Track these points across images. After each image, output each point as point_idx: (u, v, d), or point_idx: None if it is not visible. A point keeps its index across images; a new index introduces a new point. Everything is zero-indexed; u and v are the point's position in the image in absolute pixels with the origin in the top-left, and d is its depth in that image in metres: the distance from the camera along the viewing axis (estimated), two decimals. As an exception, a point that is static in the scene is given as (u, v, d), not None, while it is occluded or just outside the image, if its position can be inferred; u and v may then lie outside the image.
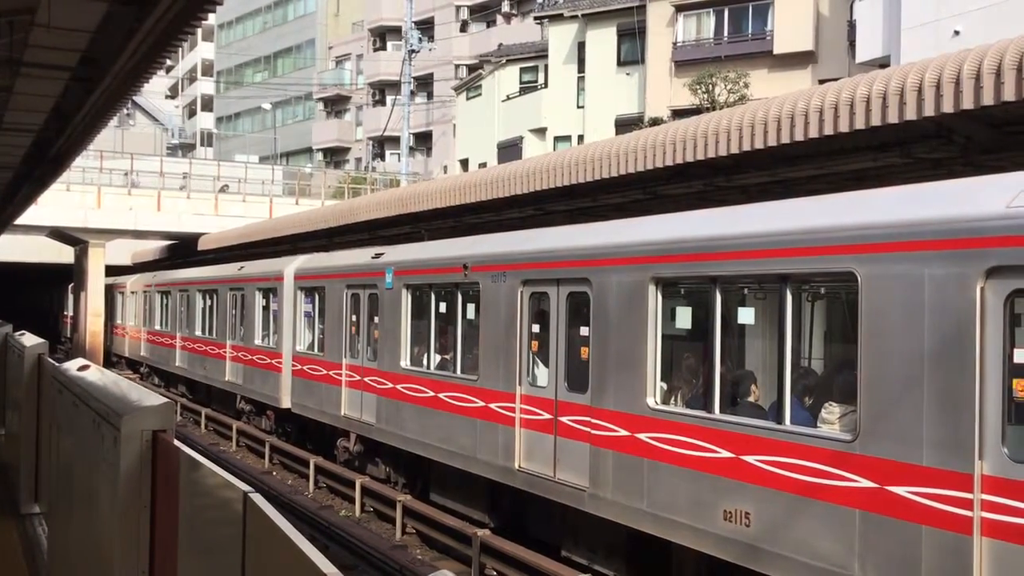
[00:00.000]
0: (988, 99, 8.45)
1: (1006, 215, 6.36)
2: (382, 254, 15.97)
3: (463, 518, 13.17)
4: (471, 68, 54.02)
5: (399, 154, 53.94)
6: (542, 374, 11.44)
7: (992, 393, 6.36)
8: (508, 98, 45.19)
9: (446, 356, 14.00)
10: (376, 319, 15.73)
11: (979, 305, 6.43)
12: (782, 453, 7.87)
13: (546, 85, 42.97)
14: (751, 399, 8.88)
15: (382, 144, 63.67)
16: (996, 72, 8.39)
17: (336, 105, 72.55)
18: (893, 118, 9.44)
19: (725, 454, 8.44)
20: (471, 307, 13.04)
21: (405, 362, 14.65)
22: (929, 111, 9.08)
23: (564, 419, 10.75)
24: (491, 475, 12.17)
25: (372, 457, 16.41)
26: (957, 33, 20.34)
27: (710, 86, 31.71)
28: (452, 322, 13.65)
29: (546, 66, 42.96)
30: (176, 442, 3.89)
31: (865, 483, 7.14)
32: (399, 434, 14.69)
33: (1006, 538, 6.21)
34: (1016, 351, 6.32)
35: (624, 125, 34.50)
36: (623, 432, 9.73)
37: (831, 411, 7.86)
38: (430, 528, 13.61)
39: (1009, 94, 8.27)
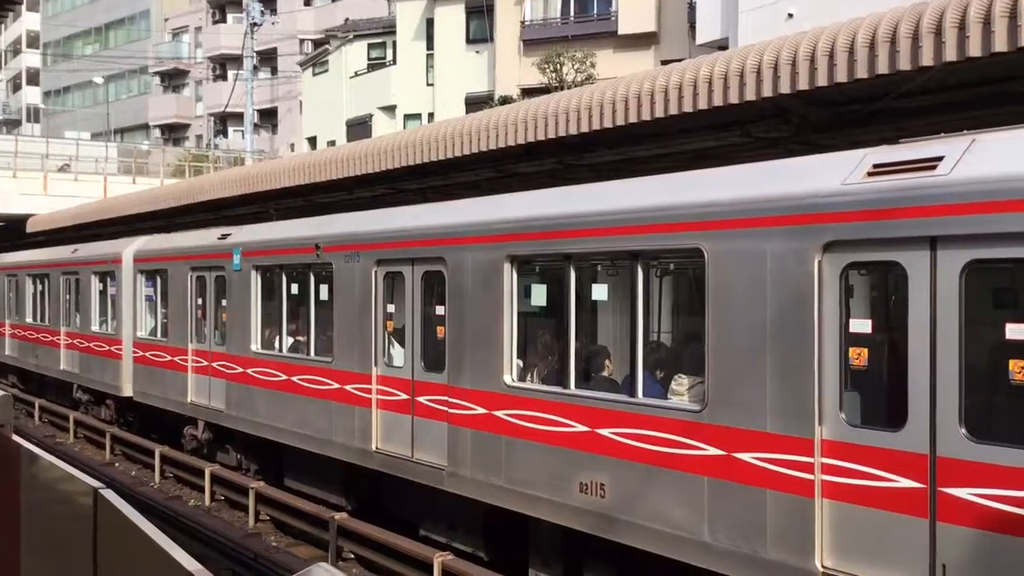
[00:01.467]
0: (822, 80, 8.83)
1: (841, 191, 6.69)
2: (229, 235, 15.47)
3: (320, 503, 12.97)
4: (317, 43, 52.85)
5: (243, 131, 52.30)
6: (398, 354, 11.36)
7: (830, 361, 6.70)
8: (356, 75, 44.46)
9: (299, 338, 13.72)
10: (224, 302, 15.25)
11: (817, 278, 6.76)
12: (635, 425, 8.08)
13: (395, 62, 42.51)
14: (605, 373, 9.08)
15: (224, 121, 61.61)
16: (829, 54, 8.79)
17: (174, 80, 69.70)
18: (733, 98, 9.76)
19: (581, 428, 8.61)
20: (324, 288, 12.81)
21: (256, 346, 14.28)
22: (767, 92, 9.43)
23: (421, 399, 10.72)
24: (348, 458, 12.03)
25: (222, 444, 15.96)
26: (791, 16, 21.24)
27: (558, 65, 32.11)
28: (304, 304, 13.38)
29: (395, 43, 42.48)
30: (16, 437, 3.65)
31: (713, 451, 7.42)
32: (251, 420, 14.33)
33: (844, 499, 6.58)
34: (852, 321, 6.68)
35: (474, 103, 34.55)
36: (481, 410, 9.78)
37: (680, 383, 8.12)
38: (285, 514, 13.35)
39: (841, 75, 8.67)
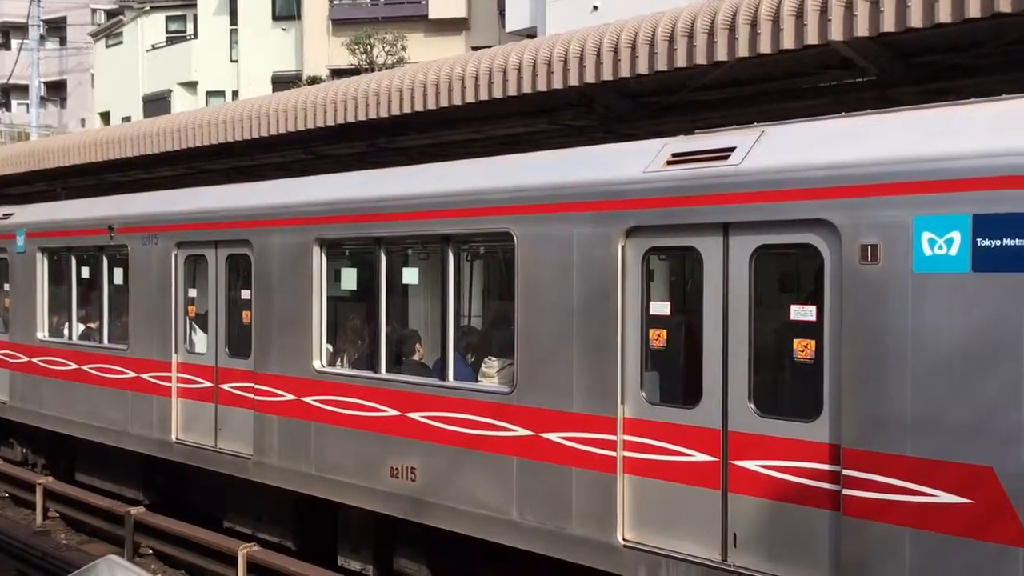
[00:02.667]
0: (625, 71, 9.14)
1: (642, 179, 6.95)
2: (11, 214, 14.42)
3: (115, 497, 12.35)
4: (110, 13, 49.89)
5: (28, 104, 48.72)
6: (201, 341, 10.94)
7: (632, 342, 6.96)
8: (154, 48, 42.30)
9: (91, 325, 12.98)
10: (6, 287, 14.22)
11: (620, 262, 7.00)
12: (446, 408, 8.13)
13: (196, 36, 40.71)
14: (416, 357, 9.07)
15: (7, 93, 57.17)
16: (632, 46, 9.10)
17: (-52, 46, 64.09)
18: (542, 86, 9.95)
19: (391, 412, 8.58)
20: (119, 272, 12.16)
21: (42, 333, 13.40)
22: (573, 81, 9.67)
23: (226, 386, 10.38)
24: (146, 449, 11.50)
25: (5, 438, 14.92)
26: (595, 8, 21.80)
27: (368, 47, 31.71)
28: (97, 288, 12.65)
29: (195, 16, 40.66)
30: None
31: (522, 432, 7.57)
32: (37, 411, 13.44)
33: (644, 474, 6.86)
34: (652, 304, 6.96)
35: (282, 82, 33.60)
36: (289, 396, 9.57)
37: (490, 365, 8.23)
38: (77, 510, 12.62)
39: (643, 67, 9.00)
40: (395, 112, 11.42)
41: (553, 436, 7.35)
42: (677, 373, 7.01)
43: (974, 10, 6.97)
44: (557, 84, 9.83)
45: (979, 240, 5.35)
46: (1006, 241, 5.25)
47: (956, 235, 5.43)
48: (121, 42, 44.22)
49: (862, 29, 7.53)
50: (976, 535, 5.33)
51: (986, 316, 5.31)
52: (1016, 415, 5.18)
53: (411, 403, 8.42)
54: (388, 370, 8.84)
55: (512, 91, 10.22)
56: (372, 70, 26.95)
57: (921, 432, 5.54)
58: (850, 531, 5.80)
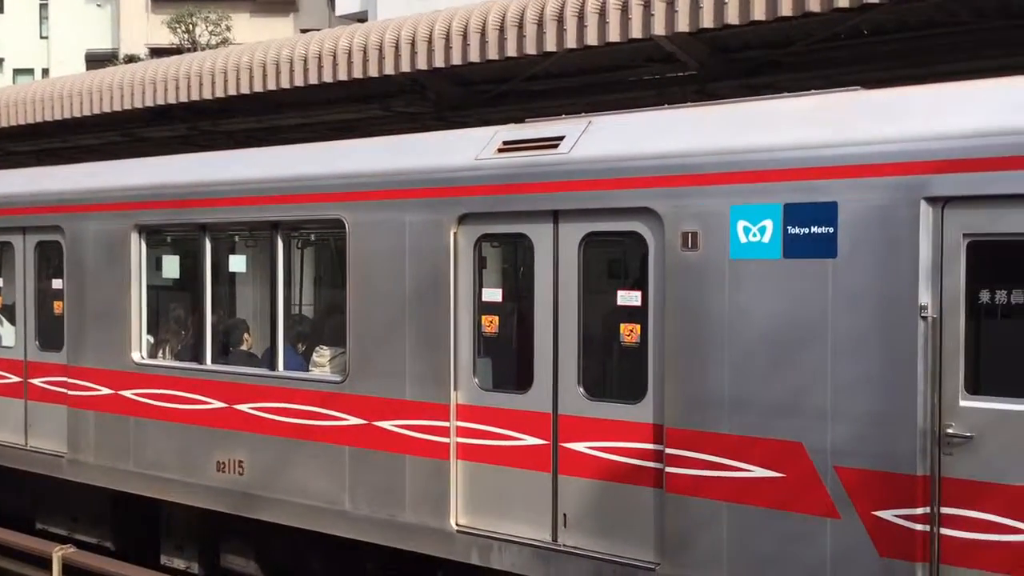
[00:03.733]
0: (457, 59, 9.17)
1: (474, 166, 6.99)
2: None
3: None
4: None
5: None
6: (8, 333, 10.30)
7: (464, 329, 7.00)
8: (-48, 20, 39.29)
9: None
10: None
11: (452, 249, 7.01)
12: (276, 399, 7.95)
13: (1, 10, 38.08)
14: (244, 347, 8.83)
15: None
16: (463, 34, 9.13)
17: None
18: (373, 71, 9.86)
19: (218, 405, 8.31)
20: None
21: None
22: (405, 67, 9.62)
23: (36, 381, 9.80)
24: (-54, 451, 10.71)
25: None
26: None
27: (191, 26, 30.53)
28: None
29: (0, -13, 38.04)
30: None
31: (355, 421, 7.49)
32: None
33: (477, 459, 6.92)
34: (484, 290, 7.02)
35: (96, 61, 31.90)
36: (106, 390, 9.12)
37: (322, 354, 8.10)
38: None
39: (474, 55, 9.05)
40: (220, 94, 11.05)
41: (386, 424, 7.31)
42: (509, 359, 7.10)
43: (786, 9, 7.36)
44: (389, 70, 9.75)
45: (789, 228, 5.65)
46: (813, 229, 5.57)
47: (769, 223, 5.72)
48: (-86, 12, 40.89)
49: (683, 25, 7.82)
50: (788, 507, 5.65)
51: (796, 300, 5.63)
52: (823, 393, 5.52)
53: (238, 395, 8.19)
54: (214, 361, 8.56)
55: (343, 76, 10.07)
56: (195, 50, 25.93)
57: (737, 411, 5.82)
58: (672, 507, 6.04)
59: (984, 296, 5.14)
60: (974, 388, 5.16)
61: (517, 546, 6.69)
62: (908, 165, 5.28)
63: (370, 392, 7.41)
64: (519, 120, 7.52)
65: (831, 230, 5.50)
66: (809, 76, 8.62)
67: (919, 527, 5.23)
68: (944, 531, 5.17)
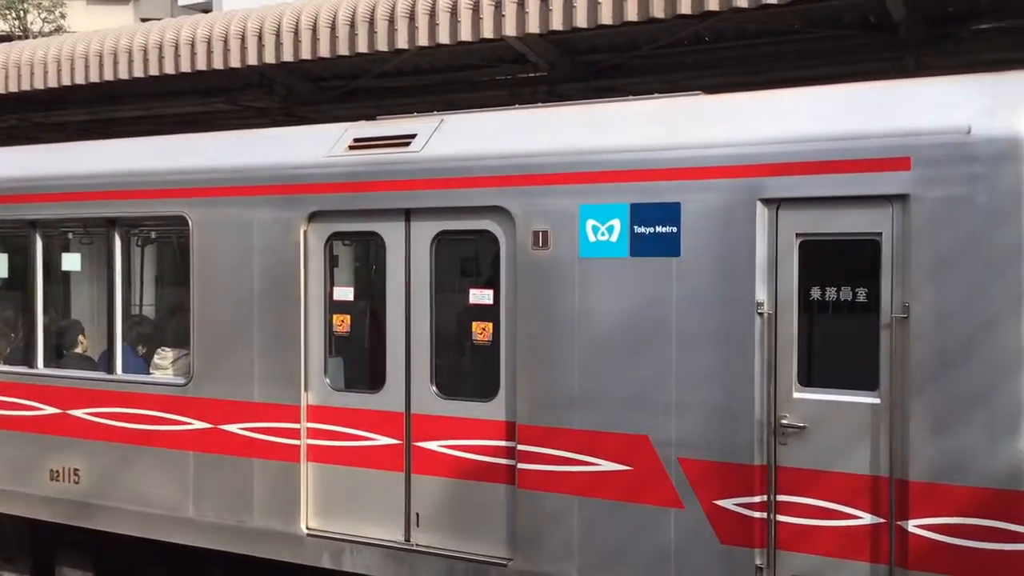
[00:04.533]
0: (306, 53, 8.98)
1: (324, 163, 6.88)
2: None
3: None
4: None
5: None
6: None
7: (316, 329, 6.88)
8: None
9: None
10: None
11: (302, 247, 6.88)
12: (113, 403, 7.61)
13: None
14: (79, 350, 8.43)
15: None
16: (313, 28, 8.95)
17: None
18: (218, 64, 9.54)
19: (50, 411, 7.90)
20: None
21: None
22: (252, 60, 9.36)
23: None
24: None
25: None
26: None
27: (21, 12, 28.86)
28: None
29: None
30: None
31: (200, 425, 7.25)
32: None
33: (329, 460, 6.82)
34: (336, 289, 6.92)
35: (-87, 45, 29.69)
36: (-75, 398, 8.52)
37: (164, 356, 7.81)
38: None
39: (324, 50, 8.88)
40: (52, 84, 10.49)
41: (233, 427, 7.11)
42: (361, 358, 7.03)
43: (632, 13, 7.54)
44: (235, 63, 9.46)
45: (636, 227, 5.81)
46: (658, 228, 5.74)
47: (616, 223, 5.86)
48: None
49: (533, 26, 7.91)
50: (635, 499, 5.81)
51: (642, 298, 5.79)
52: (668, 388, 5.70)
53: (73, 400, 7.80)
54: (46, 364, 8.13)
55: (186, 67, 9.71)
56: (26, 38, 24.55)
57: (587, 407, 5.94)
58: (524, 503, 6.11)
59: (815, 293, 5.42)
60: (807, 380, 5.44)
61: (369, 548, 6.63)
62: (745, 168, 5.51)
63: (216, 395, 7.19)
64: (371, 117, 7.45)
65: (675, 230, 5.69)
66: (654, 80, 8.88)
67: (757, 515, 5.47)
68: (780, 518, 5.43)
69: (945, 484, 5.02)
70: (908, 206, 5.11)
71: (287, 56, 9.13)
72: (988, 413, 4.94)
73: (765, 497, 5.45)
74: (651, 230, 5.76)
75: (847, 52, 8.36)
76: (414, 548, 6.50)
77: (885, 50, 8.20)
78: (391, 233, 6.65)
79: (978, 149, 4.98)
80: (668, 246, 5.71)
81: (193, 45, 9.63)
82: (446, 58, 9.24)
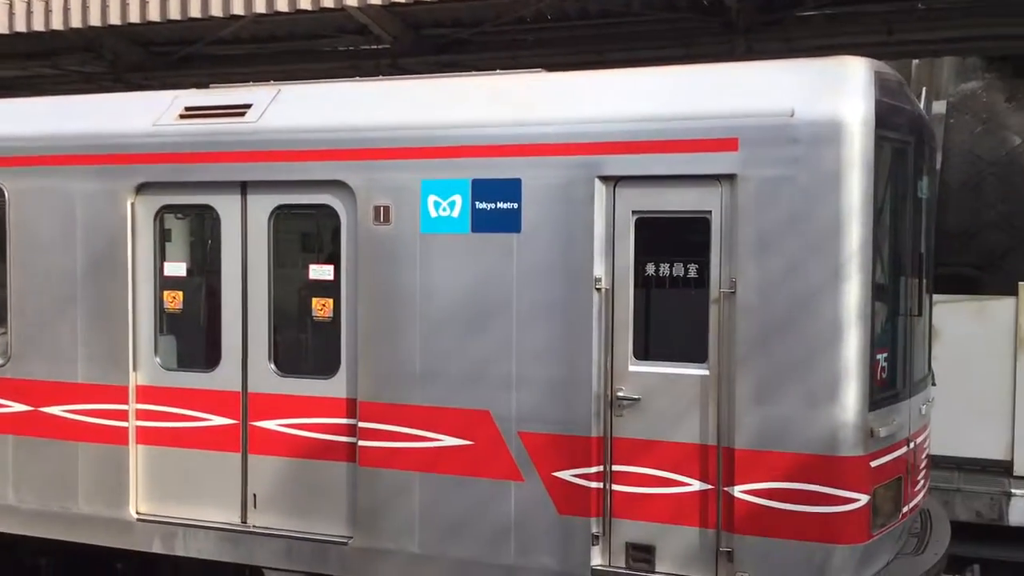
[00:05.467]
0: (135, 17, 8.56)
1: (153, 133, 6.57)
2: None
3: None
4: None
5: None
6: None
7: (145, 305, 6.59)
8: None
9: None
10: None
11: (131, 220, 6.57)
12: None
13: None
14: None
15: None
16: (144, -9, 8.54)
17: None
18: (38, 26, 8.99)
19: None
20: None
21: None
22: (76, 22, 8.86)
23: None
24: None
25: None
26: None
27: None
28: None
29: None
30: None
31: (19, 407, 6.86)
32: None
33: (160, 443, 6.56)
34: (167, 264, 6.64)
35: None
36: None
37: (-21, 336, 7.32)
38: None
39: (154, 14, 8.49)
40: None
41: (55, 410, 6.75)
42: (195, 336, 6.78)
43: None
44: (57, 25, 8.93)
45: (477, 203, 5.81)
46: (499, 204, 5.76)
47: (458, 198, 5.85)
48: None
49: (372, -3, 7.79)
50: (476, 473, 5.84)
51: (484, 275, 5.80)
52: (508, 363, 5.74)
53: None
54: None
55: (3, 28, 9.10)
56: None
57: (429, 383, 5.92)
58: (365, 480, 6.05)
59: (650, 268, 5.57)
60: (642, 354, 5.59)
61: (204, 531, 6.43)
62: (584, 146, 5.60)
63: (36, 375, 6.80)
64: (204, 86, 7.16)
65: (516, 206, 5.72)
66: (497, 56, 8.91)
67: (593, 485, 5.60)
68: (615, 487, 5.58)
69: (767, 451, 5.27)
70: (735, 185, 5.30)
71: (114, 19, 8.68)
72: (807, 383, 5.20)
73: (601, 468, 5.58)
74: (492, 206, 5.77)
75: (683, 35, 8.61)
76: (251, 530, 6.34)
77: (718, 34, 8.49)
78: (226, 206, 6.43)
79: (800, 131, 5.21)
80: (509, 222, 5.74)
81: (11, 4, 9.03)
82: (286, 26, 9.00)
